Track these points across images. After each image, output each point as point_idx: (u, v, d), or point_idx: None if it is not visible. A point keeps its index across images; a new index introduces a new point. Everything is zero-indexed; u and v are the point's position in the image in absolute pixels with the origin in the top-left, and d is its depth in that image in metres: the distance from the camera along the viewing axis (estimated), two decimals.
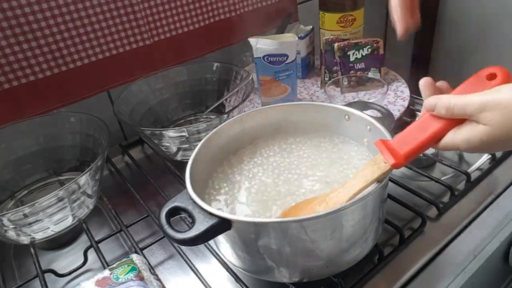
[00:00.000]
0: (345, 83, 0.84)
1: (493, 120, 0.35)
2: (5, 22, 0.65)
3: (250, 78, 0.75)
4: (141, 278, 0.47)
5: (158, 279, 0.49)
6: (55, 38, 0.70)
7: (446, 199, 0.61)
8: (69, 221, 0.60)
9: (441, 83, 0.43)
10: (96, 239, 0.59)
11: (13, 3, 0.64)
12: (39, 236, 0.58)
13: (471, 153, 0.41)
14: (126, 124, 0.75)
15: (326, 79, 0.91)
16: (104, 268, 0.52)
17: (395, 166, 0.41)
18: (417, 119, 0.42)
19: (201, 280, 0.52)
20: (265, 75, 0.80)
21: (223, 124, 0.57)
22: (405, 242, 0.54)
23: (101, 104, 0.79)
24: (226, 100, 0.82)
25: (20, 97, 0.70)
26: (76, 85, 0.75)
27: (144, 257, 0.54)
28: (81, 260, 0.56)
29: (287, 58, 0.78)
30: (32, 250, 0.57)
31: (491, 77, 0.39)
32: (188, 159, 0.50)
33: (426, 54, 1.33)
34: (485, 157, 0.70)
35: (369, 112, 0.55)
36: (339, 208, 0.40)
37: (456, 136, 0.39)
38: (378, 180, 0.43)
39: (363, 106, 0.56)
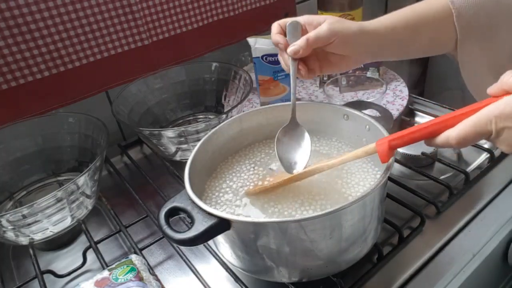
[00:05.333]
0: (344, 82, 0.84)
1: None
2: (3, 23, 0.64)
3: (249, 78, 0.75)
4: (140, 279, 0.47)
5: (158, 280, 0.49)
6: (53, 38, 0.70)
7: (445, 198, 0.61)
8: (68, 222, 0.60)
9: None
10: (95, 239, 0.59)
11: (11, 4, 0.64)
12: (38, 237, 0.58)
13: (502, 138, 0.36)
14: (124, 124, 0.75)
15: (325, 78, 0.91)
16: (103, 268, 0.52)
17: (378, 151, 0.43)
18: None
19: (200, 280, 0.52)
20: (264, 75, 0.80)
21: (222, 124, 0.57)
22: (404, 241, 0.54)
23: (99, 104, 0.79)
24: (225, 100, 0.82)
25: (18, 98, 0.70)
26: (75, 85, 0.75)
27: (143, 257, 0.54)
28: (80, 261, 0.56)
29: None
30: (31, 251, 0.57)
31: None
32: (187, 159, 0.50)
33: None
34: (484, 156, 0.70)
35: (368, 111, 0.55)
36: (338, 208, 0.40)
37: (491, 106, 0.36)
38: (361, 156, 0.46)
39: (362, 105, 0.57)
